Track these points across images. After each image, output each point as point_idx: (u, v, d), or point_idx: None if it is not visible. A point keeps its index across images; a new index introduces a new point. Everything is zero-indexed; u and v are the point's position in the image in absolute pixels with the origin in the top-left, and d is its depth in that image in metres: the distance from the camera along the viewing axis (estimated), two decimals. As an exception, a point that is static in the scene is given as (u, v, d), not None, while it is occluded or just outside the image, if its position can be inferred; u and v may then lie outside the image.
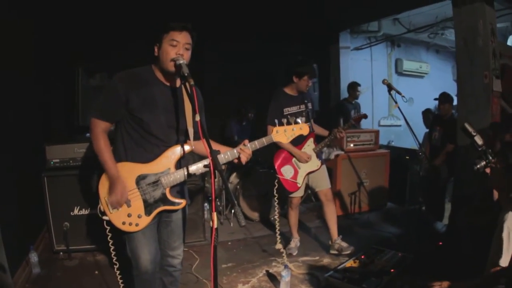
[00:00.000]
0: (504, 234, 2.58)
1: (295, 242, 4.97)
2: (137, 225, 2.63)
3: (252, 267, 4.51)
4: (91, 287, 3.98)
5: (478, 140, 4.13)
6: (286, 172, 4.60)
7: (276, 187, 4.52)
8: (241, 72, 7.45)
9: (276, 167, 4.60)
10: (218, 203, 6.18)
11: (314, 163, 4.66)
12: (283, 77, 4.69)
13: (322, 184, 4.78)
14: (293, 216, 4.91)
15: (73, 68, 5.18)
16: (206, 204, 5.46)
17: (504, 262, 2.59)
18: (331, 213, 4.81)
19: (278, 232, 4.46)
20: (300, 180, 4.63)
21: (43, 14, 5.33)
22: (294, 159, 4.62)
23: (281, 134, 2.84)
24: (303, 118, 4.39)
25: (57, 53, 5.87)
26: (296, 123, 2.88)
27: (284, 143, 4.23)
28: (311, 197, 6.80)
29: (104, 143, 2.58)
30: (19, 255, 4.08)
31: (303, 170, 4.64)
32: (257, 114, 6.93)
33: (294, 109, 4.59)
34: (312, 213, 6.52)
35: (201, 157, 2.75)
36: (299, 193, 4.76)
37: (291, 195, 4.75)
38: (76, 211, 4.57)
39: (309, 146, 4.67)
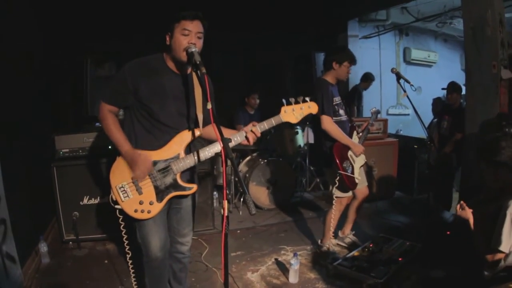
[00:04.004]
0: (507, 220, 2.59)
1: (329, 244, 4.56)
2: (149, 212, 2.65)
3: (261, 256, 4.53)
4: (100, 276, 3.99)
5: None
6: (346, 167, 4.14)
7: (337, 185, 4.15)
8: (247, 62, 7.43)
9: (338, 162, 4.09)
10: (227, 192, 6.17)
11: (362, 156, 4.32)
12: (323, 68, 4.42)
13: (364, 180, 4.50)
14: (338, 216, 4.49)
15: (81, 58, 5.18)
16: (215, 193, 5.47)
17: (504, 247, 2.61)
18: (357, 210, 4.58)
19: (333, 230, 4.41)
20: (357, 175, 4.25)
21: (50, 3, 5.32)
22: (349, 152, 4.20)
23: (290, 114, 2.77)
24: (343, 111, 4.31)
25: (66, 43, 5.87)
26: (304, 101, 2.77)
27: (340, 135, 4.08)
28: (320, 185, 6.81)
29: (112, 122, 2.62)
30: (28, 245, 4.12)
31: (357, 165, 4.27)
32: (262, 103, 6.91)
33: (338, 99, 4.25)
34: (321, 201, 6.53)
35: (210, 142, 2.75)
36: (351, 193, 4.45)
37: (346, 194, 4.39)
38: (85, 201, 4.58)
39: (355, 139, 4.31)
